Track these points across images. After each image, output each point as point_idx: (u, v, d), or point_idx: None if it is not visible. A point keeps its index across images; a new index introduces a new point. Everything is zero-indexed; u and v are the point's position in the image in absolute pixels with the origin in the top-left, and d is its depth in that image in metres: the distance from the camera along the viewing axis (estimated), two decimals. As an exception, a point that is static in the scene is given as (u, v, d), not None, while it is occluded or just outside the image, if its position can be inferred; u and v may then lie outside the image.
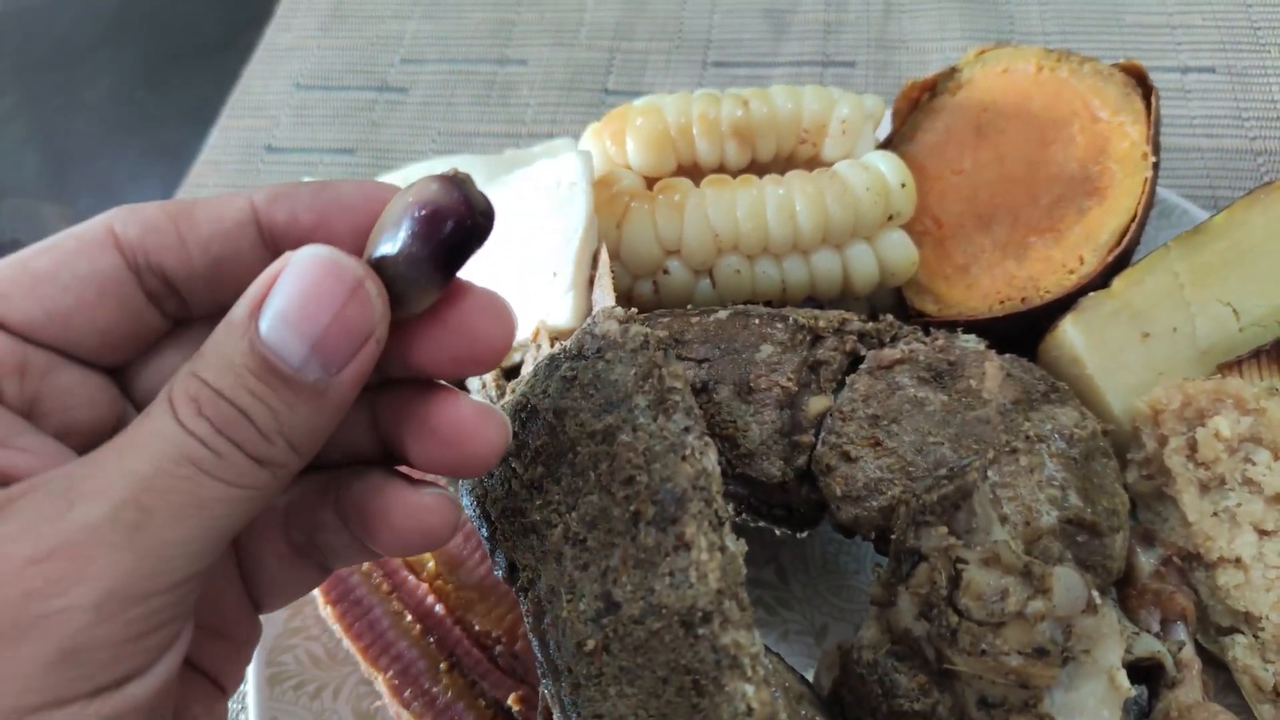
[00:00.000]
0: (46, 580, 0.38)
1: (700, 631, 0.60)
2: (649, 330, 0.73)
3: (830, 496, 0.79)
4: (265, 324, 0.41)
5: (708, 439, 0.69)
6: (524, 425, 0.74)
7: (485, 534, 0.73)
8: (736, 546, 0.65)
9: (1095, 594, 0.67)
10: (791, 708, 0.66)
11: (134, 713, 0.40)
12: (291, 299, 0.42)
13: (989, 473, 0.76)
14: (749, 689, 0.59)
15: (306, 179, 0.98)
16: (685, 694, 0.60)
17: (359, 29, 1.51)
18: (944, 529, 0.68)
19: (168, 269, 0.46)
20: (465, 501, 0.76)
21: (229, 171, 1.37)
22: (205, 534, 0.41)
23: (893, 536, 0.72)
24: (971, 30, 1.39)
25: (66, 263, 0.45)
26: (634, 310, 0.77)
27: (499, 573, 0.73)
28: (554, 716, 0.69)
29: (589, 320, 0.77)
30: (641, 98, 0.98)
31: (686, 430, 0.68)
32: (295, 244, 0.44)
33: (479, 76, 1.43)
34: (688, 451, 0.67)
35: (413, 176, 1.09)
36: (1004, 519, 0.70)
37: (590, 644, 0.63)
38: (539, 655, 0.68)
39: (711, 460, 0.68)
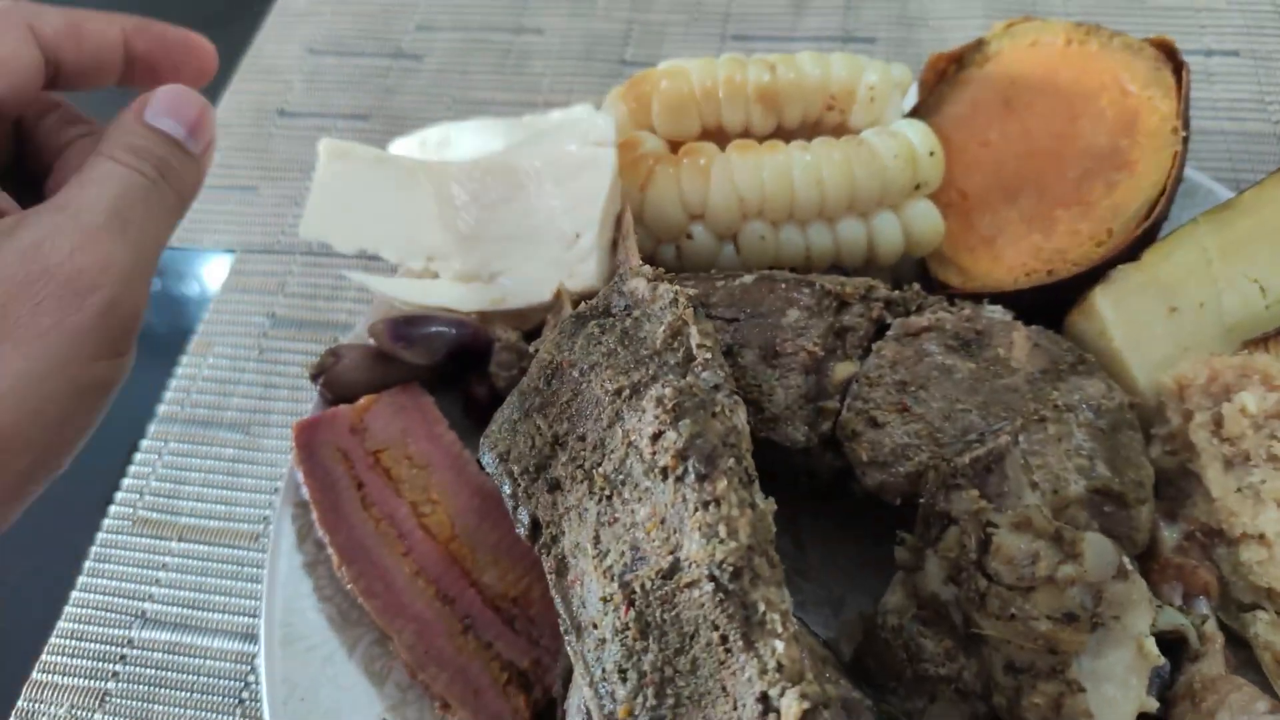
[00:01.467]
0: (88, 261, 0.58)
1: (731, 587, 0.59)
2: (678, 288, 0.72)
3: (856, 462, 0.78)
4: (150, 114, 0.66)
5: (737, 397, 0.68)
6: (548, 382, 0.73)
7: (507, 491, 0.73)
8: (765, 504, 0.64)
9: (1126, 560, 0.66)
10: (817, 668, 0.65)
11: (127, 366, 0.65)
12: (169, 103, 0.67)
13: (1019, 438, 0.75)
14: (779, 645, 0.58)
15: (324, 141, 0.97)
16: (713, 649, 0.59)
17: (374, -6, 1.50)
18: (975, 492, 0.68)
19: (63, 61, 0.68)
20: (487, 459, 0.76)
21: (240, 135, 1.35)
22: (161, 234, 0.65)
23: (921, 500, 0.71)
24: (993, 9, 1.38)
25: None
26: (661, 270, 0.77)
27: (521, 530, 0.72)
28: (575, 674, 0.68)
29: (616, 278, 0.76)
30: (665, 61, 0.97)
31: (716, 388, 0.67)
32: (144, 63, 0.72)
33: (495, 45, 1.42)
34: (718, 409, 0.66)
35: (428, 140, 1.08)
36: (1034, 485, 0.70)
37: (617, 598, 0.62)
38: (562, 613, 0.67)
39: (741, 418, 0.67)
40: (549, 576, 0.69)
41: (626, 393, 0.68)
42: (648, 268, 0.75)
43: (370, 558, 0.85)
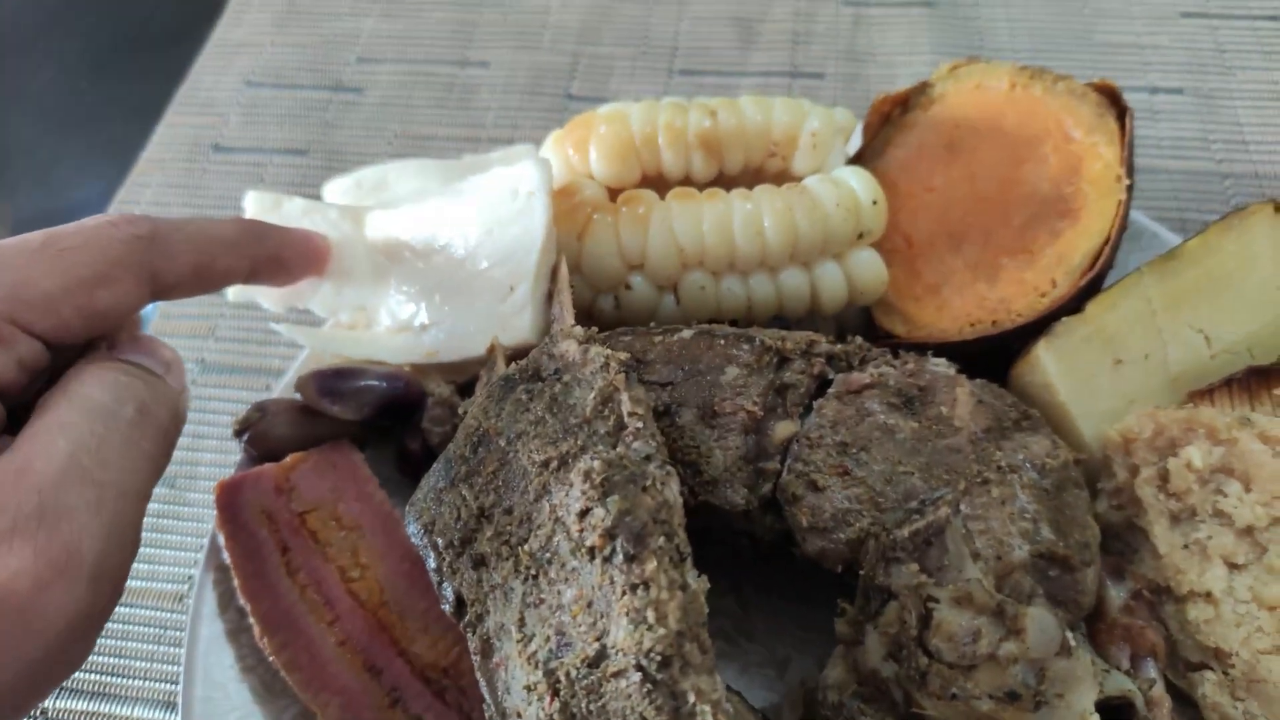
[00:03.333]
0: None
1: (659, 677, 0.56)
2: (610, 352, 0.69)
3: (796, 527, 0.76)
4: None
5: (670, 468, 0.65)
6: (474, 450, 0.70)
7: (432, 565, 0.69)
8: (698, 584, 0.62)
9: (1069, 635, 0.64)
10: (753, 753, 0.63)
11: None
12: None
13: (960, 505, 0.73)
14: (710, 738, 0.55)
15: (250, 193, 0.94)
16: (642, 743, 0.56)
17: (314, 26, 1.46)
18: (915, 566, 0.65)
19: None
20: (412, 529, 0.72)
21: (174, 170, 1.31)
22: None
23: (861, 572, 0.69)
24: (940, 45, 1.37)
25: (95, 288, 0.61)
26: (594, 329, 0.74)
27: (446, 607, 0.69)
28: (502, 762, 0.65)
29: (547, 340, 0.73)
30: (606, 104, 0.95)
31: (648, 459, 0.65)
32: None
33: (438, 78, 1.39)
34: (649, 482, 0.63)
35: (364, 182, 1.05)
36: (976, 554, 0.68)
37: (541, 687, 0.59)
38: (487, 697, 0.64)
39: (674, 491, 0.64)
40: (473, 658, 0.66)
41: (554, 464, 0.65)
42: (579, 329, 0.72)
43: (294, 627, 0.81)
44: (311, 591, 0.83)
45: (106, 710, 0.91)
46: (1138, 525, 0.85)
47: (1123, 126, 0.93)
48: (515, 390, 0.71)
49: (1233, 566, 0.81)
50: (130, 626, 0.96)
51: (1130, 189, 0.90)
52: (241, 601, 0.83)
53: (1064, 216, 0.92)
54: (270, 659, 0.81)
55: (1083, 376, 0.86)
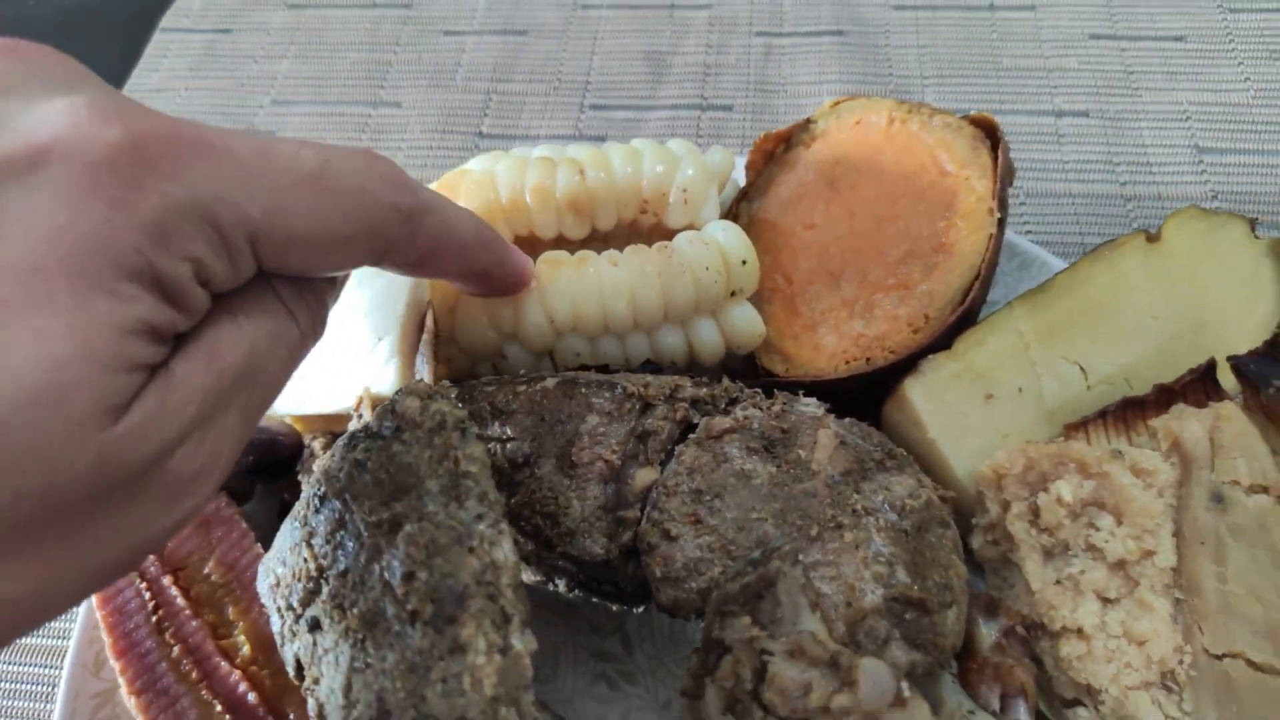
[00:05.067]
0: None
1: (470, 745, 0.56)
2: (449, 409, 0.69)
3: (651, 577, 0.75)
4: None
5: (503, 527, 0.65)
6: (316, 509, 0.70)
7: (275, 627, 0.69)
8: (524, 644, 0.61)
9: (904, 686, 0.64)
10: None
11: None
12: None
13: (813, 551, 0.73)
14: (521, 807, 0.55)
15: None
16: (456, 811, 0.56)
17: (230, 70, 1.46)
18: (748, 619, 0.65)
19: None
20: (262, 589, 0.72)
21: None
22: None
23: (702, 625, 0.68)
24: (849, 74, 1.38)
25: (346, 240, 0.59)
26: (445, 383, 0.74)
27: (290, 671, 0.68)
28: (338, 829, 0.64)
29: (392, 397, 0.73)
30: (477, 158, 0.94)
31: (479, 518, 0.64)
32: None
33: (351, 119, 1.39)
34: (475, 543, 0.63)
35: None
36: (815, 604, 0.67)
37: (358, 752, 0.58)
38: (319, 761, 0.63)
39: (505, 551, 0.64)
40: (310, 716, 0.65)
41: (385, 526, 0.65)
42: (423, 384, 0.72)
43: (159, 686, 0.81)
44: (181, 651, 0.83)
45: (-11, 773, 0.91)
46: (1012, 560, 0.85)
47: (995, 159, 0.93)
48: (356, 448, 0.70)
49: (1105, 601, 0.81)
50: (6, 683, 0.95)
51: (1002, 222, 0.90)
52: (111, 661, 0.82)
53: (938, 251, 0.92)
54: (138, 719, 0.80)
55: (953, 413, 0.86)
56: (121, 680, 0.81)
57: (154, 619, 0.84)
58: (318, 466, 0.73)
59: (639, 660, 0.90)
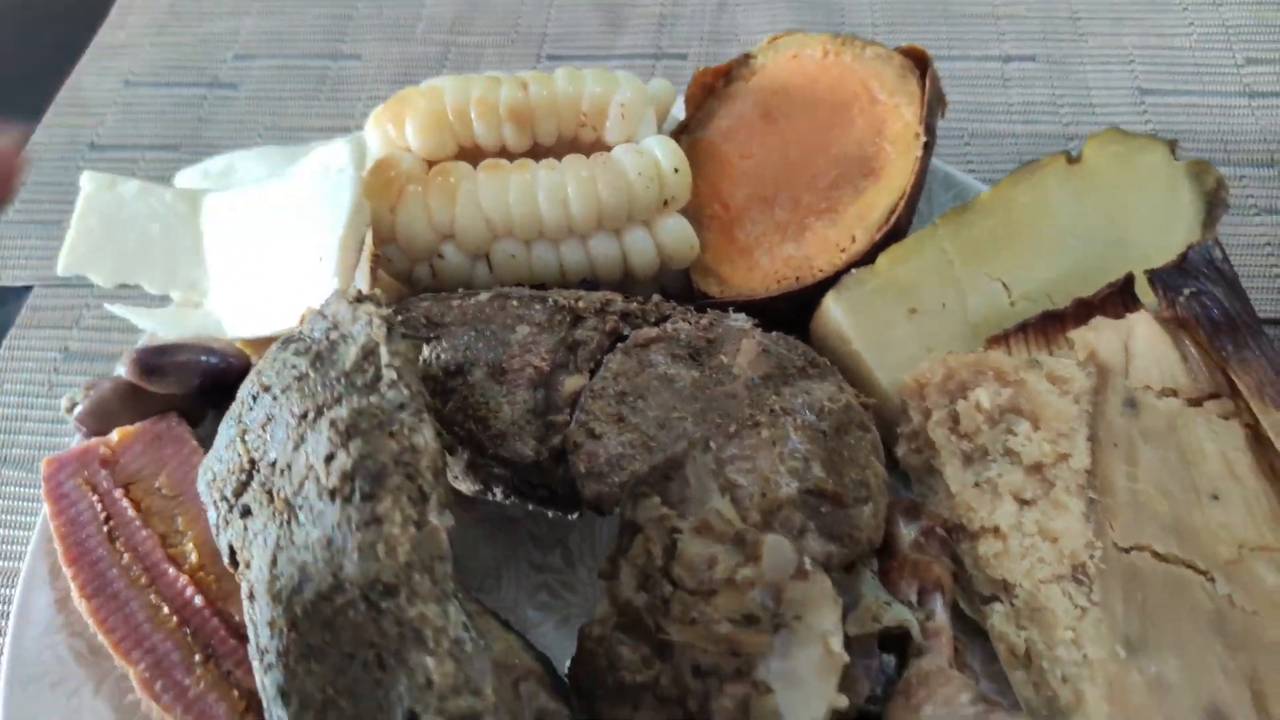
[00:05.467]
0: None
1: (384, 605, 0.59)
2: (375, 309, 0.72)
3: (576, 474, 0.78)
4: None
5: (424, 416, 0.68)
6: (250, 409, 0.73)
7: (211, 518, 0.72)
8: (440, 521, 0.64)
9: (807, 560, 0.67)
10: (504, 684, 0.65)
11: None
12: None
13: (730, 446, 0.76)
14: (430, 661, 0.58)
15: (85, 173, 0.97)
16: (370, 668, 0.59)
17: (194, 25, 1.49)
18: (657, 500, 0.68)
19: None
20: (200, 486, 0.75)
21: (48, 169, 1.33)
22: None
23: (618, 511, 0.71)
24: (802, 23, 1.40)
25: None
26: (377, 291, 0.77)
27: (224, 559, 0.71)
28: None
29: (323, 302, 0.76)
30: (426, 80, 0.97)
31: (401, 407, 0.67)
32: None
33: (311, 71, 1.41)
34: (395, 428, 0.66)
35: (210, 170, 1.08)
36: (730, 489, 0.70)
37: (280, 621, 0.62)
38: (251, 640, 0.67)
39: (425, 437, 0.67)
40: (243, 603, 0.68)
41: (311, 415, 0.68)
42: (353, 289, 0.75)
43: (109, 591, 0.84)
44: (130, 558, 0.85)
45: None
46: (935, 467, 0.88)
47: (924, 87, 0.96)
48: (288, 348, 0.73)
49: (1021, 502, 0.84)
50: (-21, 606, 0.98)
51: (928, 146, 0.93)
52: (63, 568, 0.85)
53: (867, 175, 0.95)
54: (89, 622, 0.83)
55: (876, 326, 0.89)
56: (73, 585, 0.84)
57: (105, 529, 0.87)
58: (253, 369, 0.76)
59: (580, 573, 0.93)
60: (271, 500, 0.67)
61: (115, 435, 0.91)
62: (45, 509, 0.90)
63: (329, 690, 0.60)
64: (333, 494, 0.63)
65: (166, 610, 0.83)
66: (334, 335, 0.73)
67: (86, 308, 1.19)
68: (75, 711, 0.83)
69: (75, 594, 0.84)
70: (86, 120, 1.39)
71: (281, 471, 0.68)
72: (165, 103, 1.40)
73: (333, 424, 0.65)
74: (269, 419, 0.71)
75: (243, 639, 0.82)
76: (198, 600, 0.83)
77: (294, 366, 0.71)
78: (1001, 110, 1.29)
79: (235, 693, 0.80)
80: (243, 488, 0.70)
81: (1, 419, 1.11)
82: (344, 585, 0.61)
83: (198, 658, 0.81)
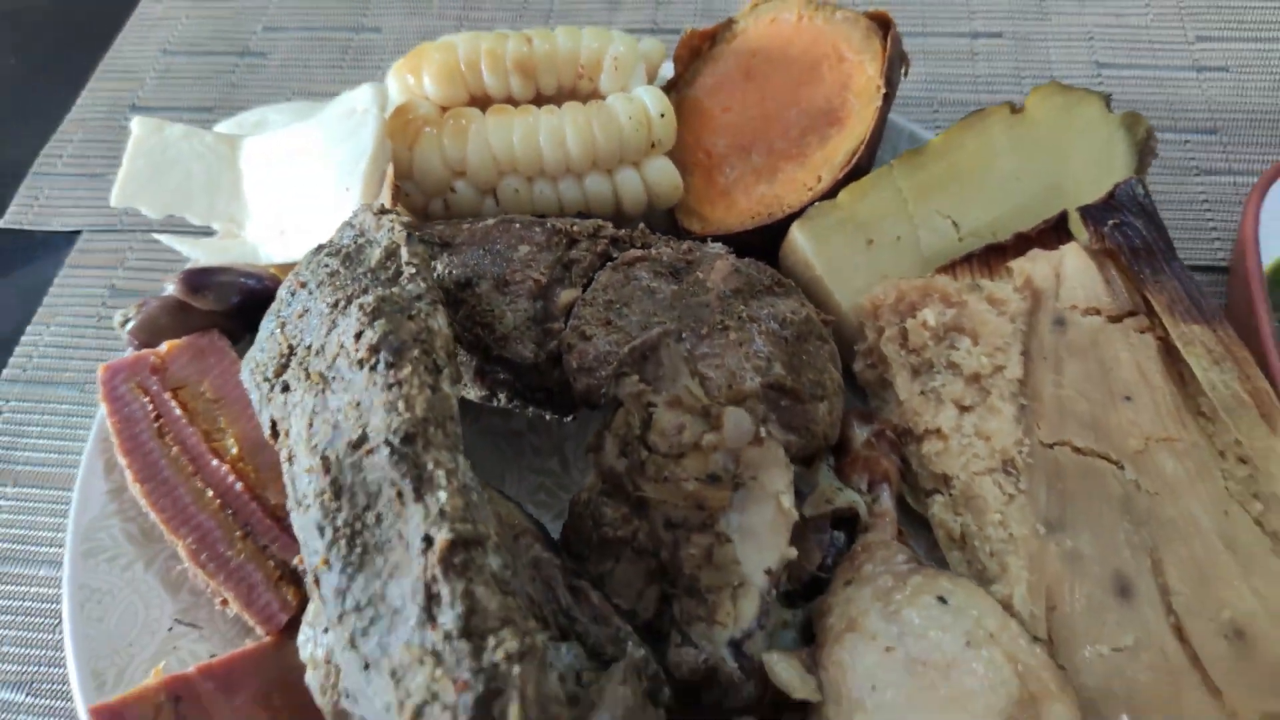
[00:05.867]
0: None
1: (404, 450, 0.71)
2: (396, 217, 0.84)
3: (569, 370, 0.90)
4: None
5: (439, 307, 0.80)
6: (288, 305, 0.84)
7: (254, 398, 0.84)
8: (451, 390, 0.76)
9: (762, 429, 0.78)
10: (506, 535, 0.76)
11: None
12: None
13: (702, 346, 0.88)
14: (442, 495, 0.69)
15: (136, 118, 1.08)
16: (391, 504, 0.70)
17: (227, 0, 1.61)
18: (636, 378, 0.79)
19: None
20: (244, 375, 0.87)
21: (93, 128, 1.46)
22: None
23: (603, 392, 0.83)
24: None
25: None
26: (395, 208, 0.88)
27: (265, 431, 0.83)
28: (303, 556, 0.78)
29: (351, 214, 0.87)
30: (442, 36, 1.09)
31: (418, 297, 0.79)
32: None
33: (335, 42, 1.54)
34: (415, 313, 0.77)
35: (244, 122, 1.19)
36: (695, 374, 0.81)
37: (316, 467, 0.73)
38: (289, 494, 0.78)
39: (439, 322, 0.79)
40: (283, 467, 0.80)
41: (341, 303, 0.79)
42: (379, 203, 0.87)
43: (160, 478, 0.95)
44: (178, 450, 0.97)
45: (15, 571, 1.05)
46: (887, 380, 0.99)
47: (885, 46, 1.07)
48: (321, 253, 0.85)
49: (961, 408, 0.95)
50: (41, 504, 1.10)
51: (888, 97, 1.04)
52: (119, 459, 0.97)
53: (833, 124, 1.06)
54: (142, 504, 0.95)
55: (837, 254, 1.00)
56: (128, 474, 0.96)
57: (156, 426, 0.98)
58: (290, 272, 0.88)
59: (574, 475, 1.04)
60: (308, 376, 0.79)
61: (164, 347, 1.03)
62: (101, 412, 1.02)
63: (357, 524, 0.71)
64: (361, 364, 0.75)
65: (210, 494, 0.95)
66: (361, 240, 0.84)
67: (130, 250, 1.32)
68: (129, 582, 0.95)
69: (130, 481, 0.96)
70: (128, 85, 1.51)
71: (316, 352, 0.79)
72: (200, 69, 1.52)
73: (361, 307, 0.77)
74: (305, 310, 0.82)
75: (277, 519, 0.94)
76: (238, 486, 0.95)
77: (326, 265, 0.83)
78: (968, 81, 1.40)
79: (270, 563, 0.92)
80: (282, 369, 0.82)
81: (56, 346, 1.23)
82: (370, 435, 0.72)
83: (237, 534, 0.93)
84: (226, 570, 0.91)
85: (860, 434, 0.96)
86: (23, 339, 1.25)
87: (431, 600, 0.67)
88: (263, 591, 0.90)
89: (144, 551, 0.96)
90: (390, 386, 0.73)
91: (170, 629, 0.93)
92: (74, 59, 1.56)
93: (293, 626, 0.89)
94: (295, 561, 0.91)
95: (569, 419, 0.99)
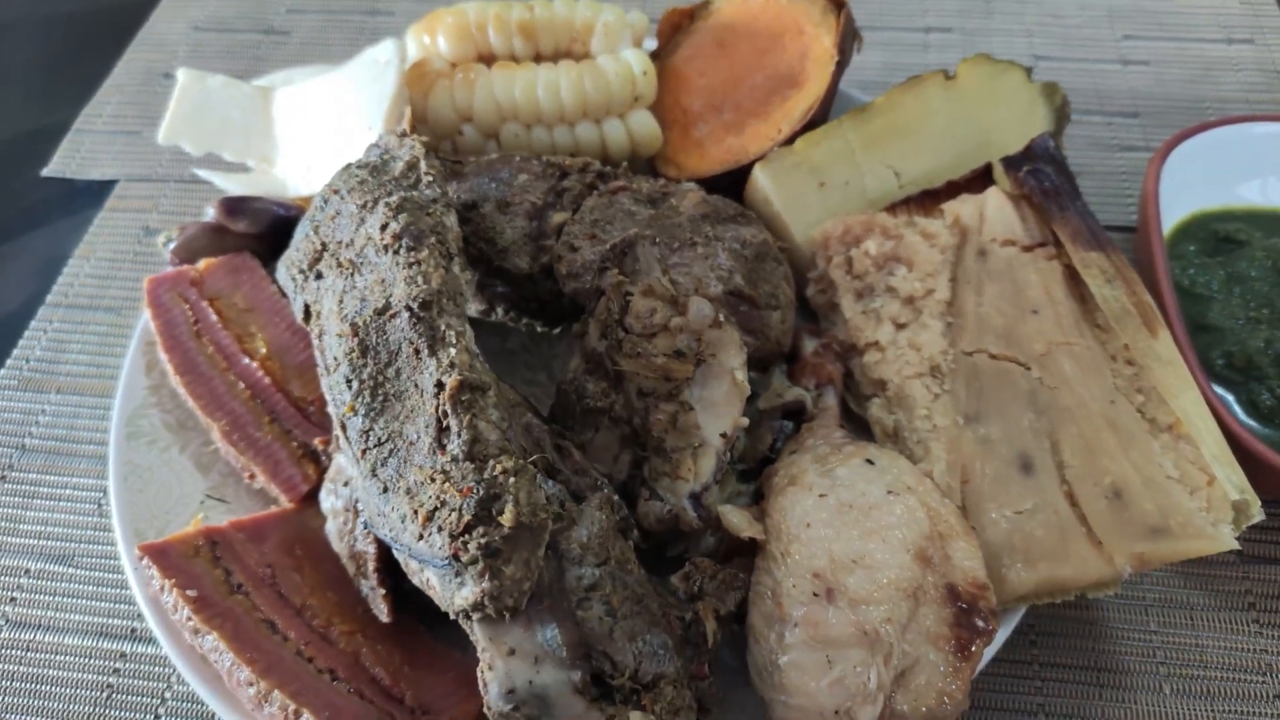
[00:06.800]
0: None
1: (421, 314, 0.85)
2: (418, 141, 0.99)
3: (559, 277, 1.04)
4: None
5: (451, 208, 0.95)
6: (321, 210, 0.99)
7: (290, 289, 0.98)
8: (461, 273, 0.90)
9: (721, 315, 0.93)
10: (506, 404, 0.90)
11: None
12: None
13: (673, 258, 1.03)
14: (453, 350, 0.83)
15: (182, 69, 1.23)
16: (409, 359, 0.85)
17: (254, -17, 1.77)
18: (615, 271, 0.94)
19: None
20: (280, 274, 1.01)
21: (130, 92, 1.61)
22: None
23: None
24: (761, -4, 1.68)
25: None
26: (413, 131, 1.03)
27: (298, 317, 0.97)
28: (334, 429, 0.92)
29: (378, 137, 1.02)
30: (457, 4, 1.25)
31: (434, 200, 0.94)
32: None
33: (351, 24, 1.69)
34: (431, 211, 0.92)
35: (275, 80, 1.34)
36: (665, 271, 0.96)
37: (346, 331, 0.87)
38: (319, 361, 0.92)
39: (451, 220, 0.94)
40: (314, 342, 0.94)
41: (370, 204, 0.94)
42: (401, 127, 1.01)
43: (198, 371, 1.09)
44: (214, 350, 1.11)
45: (61, 463, 1.19)
46: (835, 303, 1.14)
47: (839, 21, 1.23)
48: (350, 167, 1.00)
49: (897, 325, 1.10)
50: (81, 409, 1.24)
51: (840, 63, 1.20)
52: (161, 356, 1.11)
53: (793, 87, 1.22)
54: (181, 393, 1.08)
55: (793, 194, 1.16)
56: (169, 367, 1.10)
57: (195, 329, 1.12)
58: (324, 185, 1.03)
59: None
60: (339, 265, 0.93)
61: (201, 264, 1.17)
62: (143, 320, 1.15)
63: (380, 376, 0.86)
64: (385, 249, 0.89)
65: (241, 386, 1.09)
66: (386, 156, 0.99)
67: (164, 197, 1.46)
68: (166, 462, 1.08)
69: (170, 374, 1.09)
70: (161, 55, 1.66)
71: (346, 245, 0.94)
72: (228, 44, 1.67)
73: (386, 205, 0.91)
74: (337, 213, 0.97)
75: (299, 409, 1.08)
76: (266, 380, 1.09)
77: (356, 175, 0.98)
78: (922, 69, 1.56)
79: (294, 444, 1.05)
80: (315, 262, 0.96)
81: (94, 277, 1.37)
82: (392, 304, 0.86)
83: (265, 419, 1.07)
84: (256, 448, 1.05)
85: (809, 345, 1.10)
86: (64, 270, 1.38)
87: (442, 432, 0.81)
88: (287, 465, 1.04)
89: (179, 439, 1.10)
90: (410, 265, 0.88)
91: (201, 502, 1.06)
92: (112, 34, 1.71)
93: (311, 497, 1.02)
94: (315, 442, 1.05)
95: (555, 332, 1.14)
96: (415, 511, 0.79)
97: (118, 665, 1.03)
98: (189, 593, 0.89)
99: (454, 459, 0.79)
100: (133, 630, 1.06)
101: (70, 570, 1.11)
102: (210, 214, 1.18)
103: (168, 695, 1.01)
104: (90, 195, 1.48)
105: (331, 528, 0.96)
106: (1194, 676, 0.99)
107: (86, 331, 1.32)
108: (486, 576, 0.74)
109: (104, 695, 1.01)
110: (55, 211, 1.46)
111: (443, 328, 0.85)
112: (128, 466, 1.06)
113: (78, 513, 1.15)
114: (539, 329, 1.13)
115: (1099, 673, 1.00)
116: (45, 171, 1.51)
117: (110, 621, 1.07)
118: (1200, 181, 1.25)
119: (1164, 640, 1.01)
